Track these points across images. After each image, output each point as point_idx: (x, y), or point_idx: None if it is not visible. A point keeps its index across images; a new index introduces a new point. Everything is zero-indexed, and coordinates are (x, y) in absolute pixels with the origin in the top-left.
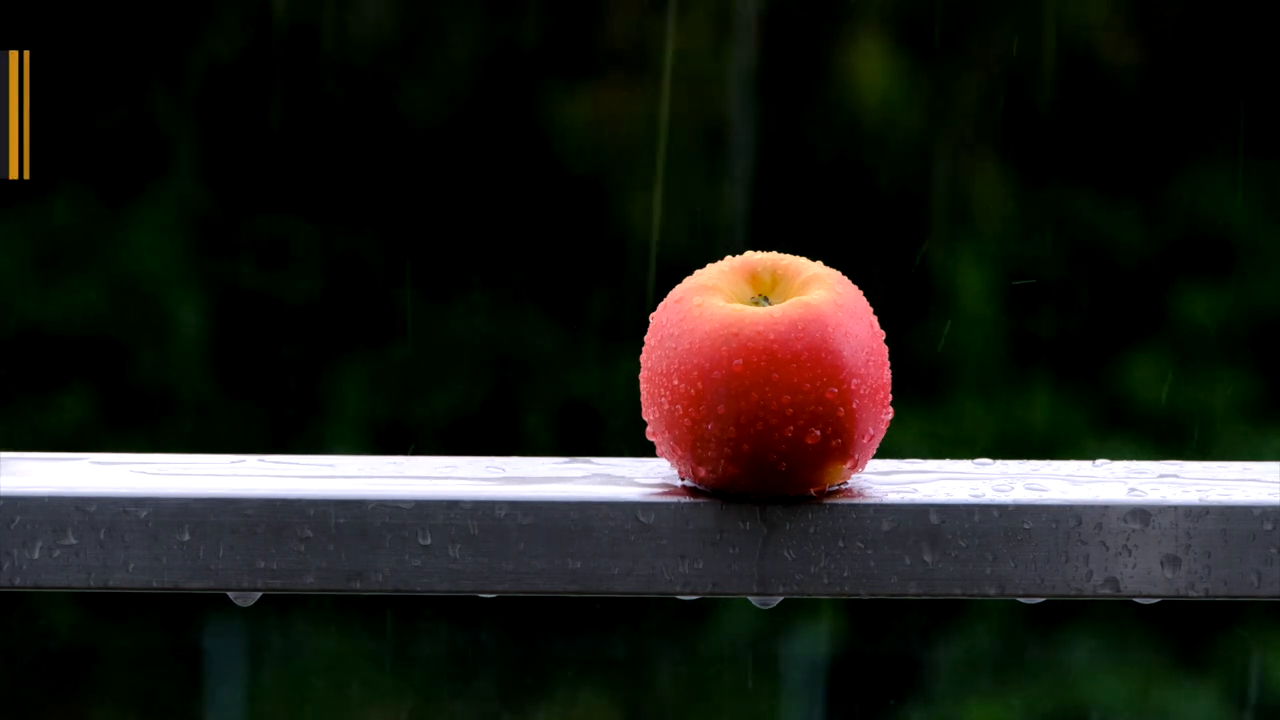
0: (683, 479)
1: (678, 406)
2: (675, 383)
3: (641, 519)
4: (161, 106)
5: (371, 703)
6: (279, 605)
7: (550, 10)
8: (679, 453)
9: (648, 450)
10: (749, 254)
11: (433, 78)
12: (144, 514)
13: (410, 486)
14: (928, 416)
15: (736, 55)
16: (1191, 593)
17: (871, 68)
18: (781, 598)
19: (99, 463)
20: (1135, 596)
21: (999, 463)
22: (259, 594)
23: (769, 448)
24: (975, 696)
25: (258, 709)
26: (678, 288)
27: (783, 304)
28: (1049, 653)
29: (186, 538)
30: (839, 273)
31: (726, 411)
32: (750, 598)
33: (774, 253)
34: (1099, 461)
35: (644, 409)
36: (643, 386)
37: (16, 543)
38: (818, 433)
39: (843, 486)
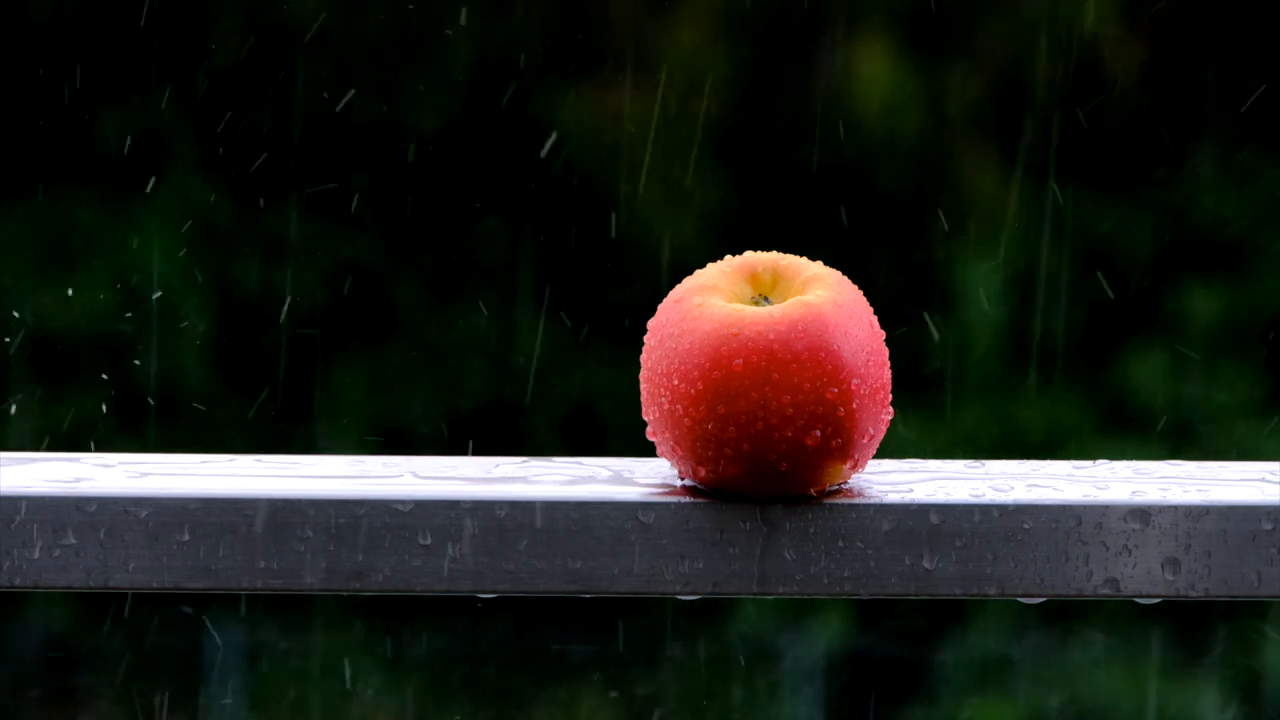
0: (683, 479)
1: (678, 406)
2: (675, 383)
3: (641, 519)
4: (164, 106)
5: (371, 703)
6: (279, 605)
7: (549, 10)
8: (679, 453)
9: (648, 450)
10: (749, 254)
11: (433, 77)
12: (144, 514)
13: (410, 486)
14: (928, 416)
15: (737, 55)
16: (1191, 593)
17: (873, 67)
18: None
19: (99, 463)
20: (1135, 596)
21: (999, 463)
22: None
23: (769, 448)
24: (978, 696)
25: (258, 709)
26: (678, 288)
27: (783, 304)
28: (1052, 652)
29: (186, 538)
30: (839, 273)
31: (726, 411)
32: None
33: (774, 253)
34: (1099, 461)
35: (644, 409)
36: (643, 386)
37: (16, 543)
38: (818, 433)
39: (843, 486)
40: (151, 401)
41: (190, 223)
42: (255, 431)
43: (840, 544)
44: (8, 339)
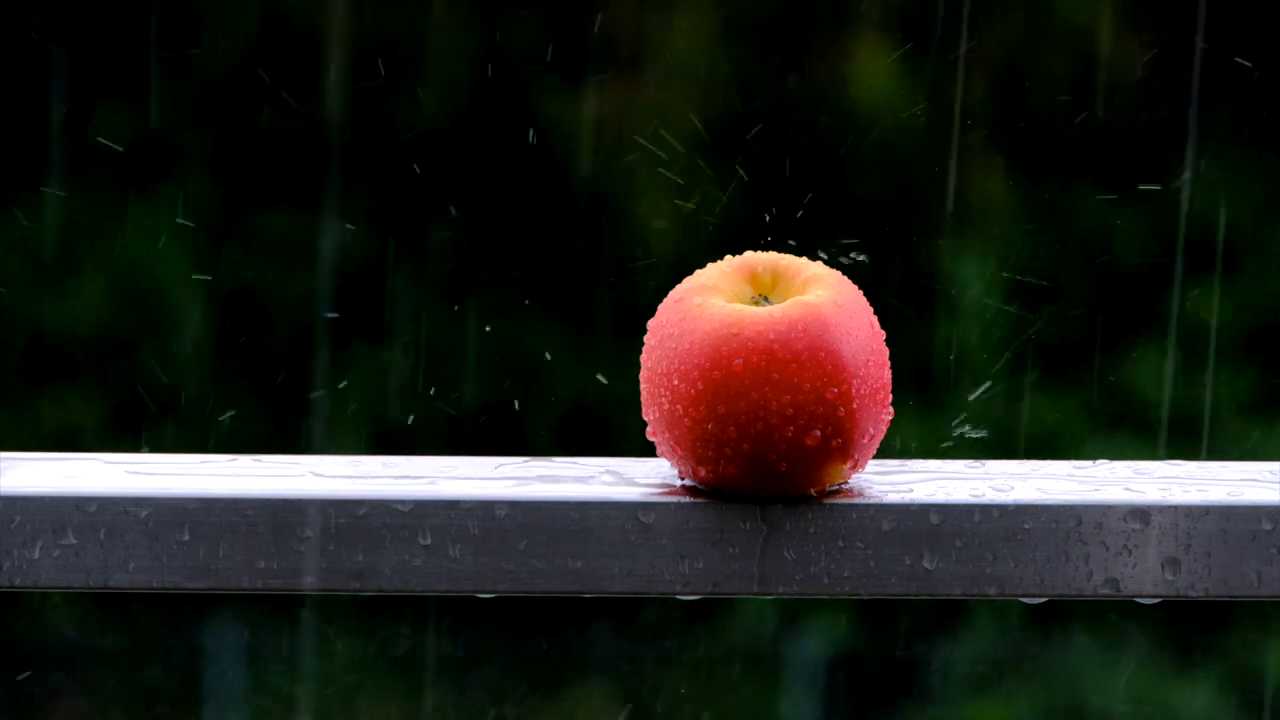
0: (683, 479)
1: (678, 406)
2: (675, 383)
3: (641, 519)
4: (164, 106)
5: (372, 703)
6: (279, 605)
7: (549, 10)
8: (679, 453)
9: (648, 450)
10: (749, 254)
11: (434, 77)
12: (144, 514)
13: (410, 486)
14: (928, 416)
15: (737, 54)
16: (1191, 593)
17: (873, 66)
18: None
19: (99, 463)
20: (1135, 596)
21: (999, 463)
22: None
23: (769, 448)
24: (977, 696)
25: (258, 709)
26: (678, 288)
27: (783, 304)
28: (1052, 652)
29: (186, 538)
30: (839, 273)
31: (726, 411)
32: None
33: (774, 253)
34: (1099, 461)
35: (644, 409)
36: (643, 386)
37: (16, 543)
38: (818, 433)
39: (843, 486)
40: (151, 402)
41: (190, 222)
42: (256, 431)
43: (840, 544)
44: (8, 339)
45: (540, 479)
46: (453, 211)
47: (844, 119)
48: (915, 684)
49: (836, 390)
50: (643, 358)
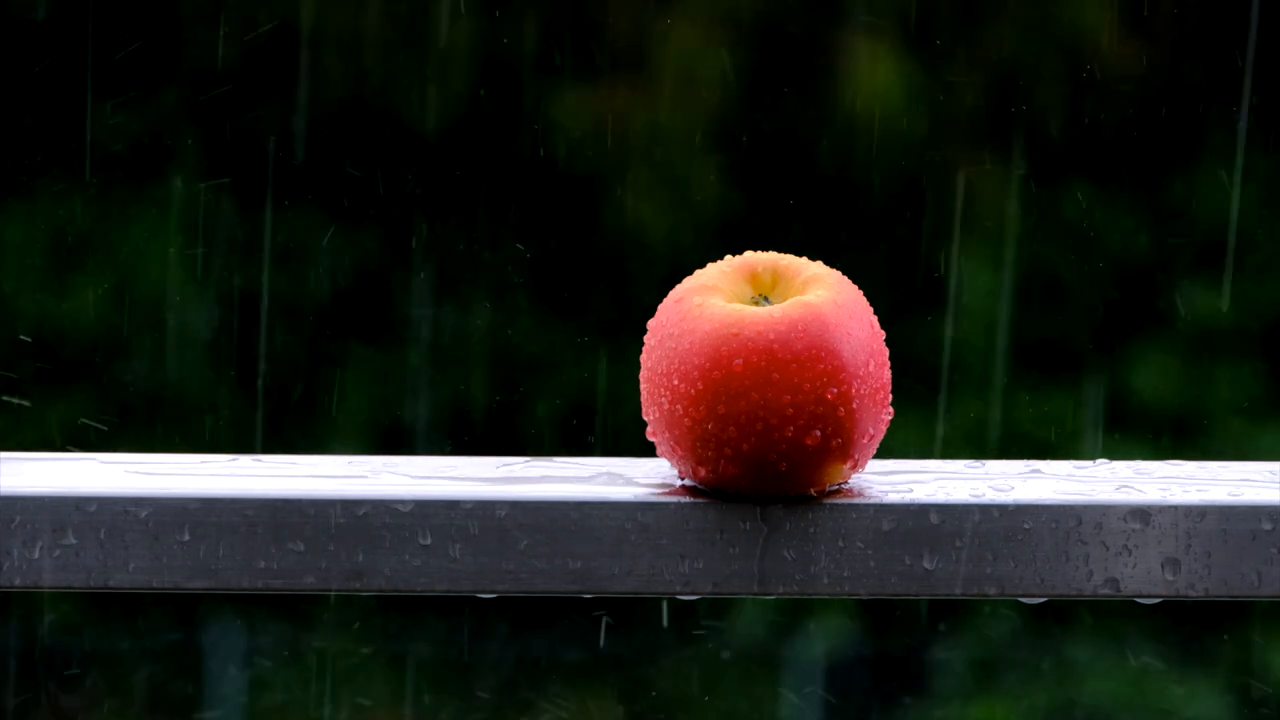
0: (683, 479)
1: (678, 406)
2: (675, 383)
3: (641, 519)
4: (164, 106)
5: (372, 703)
6: (279, 605)
7: (550, 10)
8: (679, 453)
9: (648, 450)
10: (749, 254)
11: (435, 78)
12: (144, 514)
13: (410, 486)
14: (928, 416)
15: (737, 55)
16: (1191, 593)
17: (873, 67)
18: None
19: (99, 463)
20: (1135, 596)
21: (999, 463)
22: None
23: (769, 448)
24: (978, 696)
25: (258, 709)
26: (678, 288)
27: (783, 304)
28: (1052, 652)
29: (186, 538)
30: (839, 273)
31: (726, 411)
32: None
33: (774, 253)
34: (1099, 461)
35: (644, 409)
36: (643, 386)
37: (16, 543)
38: (818, 433)
39: (843, 486)
40: (151, 402)
41: (191, 222)
42: (255, 431)
43: (840, 544)
44: (8, 339)
45: (540, 479)
46: (453, 212)
47: (845, 119)
48: (915, 684)
49: (836, 390)
50: (643, 358)
